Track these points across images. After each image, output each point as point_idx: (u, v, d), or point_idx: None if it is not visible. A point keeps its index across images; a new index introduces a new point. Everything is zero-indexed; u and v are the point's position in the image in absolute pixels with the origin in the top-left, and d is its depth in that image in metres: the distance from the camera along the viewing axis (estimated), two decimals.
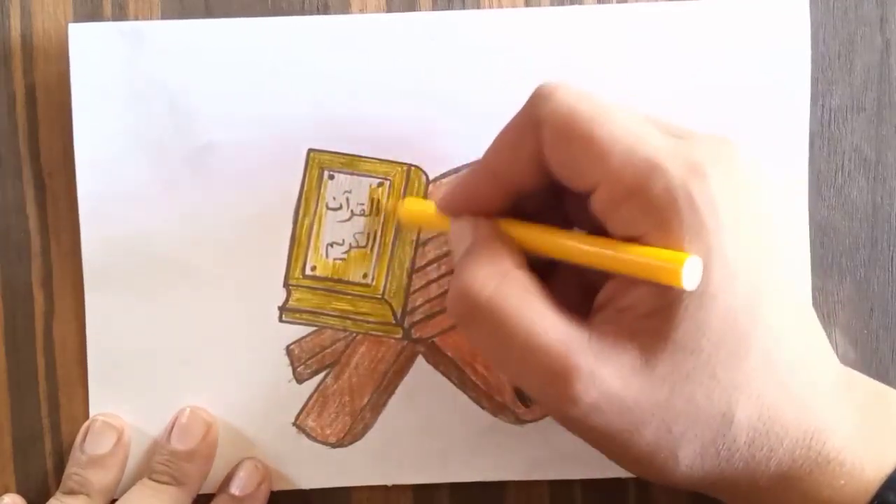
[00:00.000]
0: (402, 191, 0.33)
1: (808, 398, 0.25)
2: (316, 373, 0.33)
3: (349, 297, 0.33)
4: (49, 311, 0.33)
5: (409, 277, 0.33)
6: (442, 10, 0.33)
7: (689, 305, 0.24)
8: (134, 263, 0.33)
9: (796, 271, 0.26)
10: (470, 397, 0.33)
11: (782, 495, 0.26)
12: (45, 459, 0.33)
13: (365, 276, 0.33)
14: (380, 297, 0.33)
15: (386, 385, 0.33)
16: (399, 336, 0.33)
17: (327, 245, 0.33)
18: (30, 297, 0.33)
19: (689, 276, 0.23)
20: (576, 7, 0.33)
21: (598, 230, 0.26)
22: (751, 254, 0.24)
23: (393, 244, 0.33)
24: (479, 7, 0.33)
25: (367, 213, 0.33)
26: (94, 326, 0.33)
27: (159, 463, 0.32)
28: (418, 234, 0.33)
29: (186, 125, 0.33)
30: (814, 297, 0.33)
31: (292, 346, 0.33)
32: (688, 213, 0.23)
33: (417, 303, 0.33)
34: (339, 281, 0.33)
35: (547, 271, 0.28)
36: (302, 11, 0.33)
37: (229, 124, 0.32)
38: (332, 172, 0.33)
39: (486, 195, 0.27)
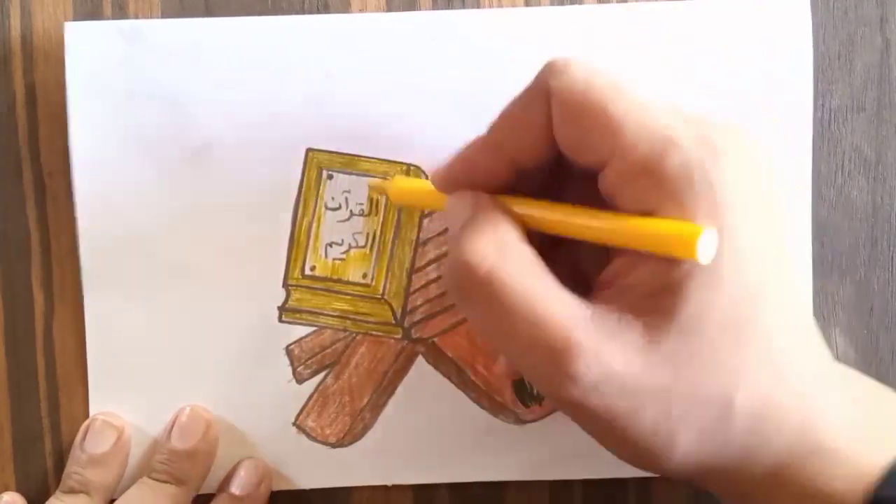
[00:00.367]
0: None
1: (804, 389, 0.25)
2: (316, 373, 0.33)
3: (349, 297, 0.33)
4: (49, 311, 0.33)
5: (409, 277, 0.33)
6: (442, 9, 0.33)
7: (697, 285, 0.23)
8: (133, 263, 0.33)
9: (799, 267, 0.26)
10: (470, 397, 0.33)
11: (777, 485, 0.25)
12: (45, 459, 0.34)
13: (364, 276, 0.33)
14: (380, 297, 0.33)
15: (386, 385, 0.33)
16: (399, 336, 0.33)
17: (326, 245, 0.33)
18: (30, 297, 0.33)
19: (704, 249, 0.22)
20: (576, 7, 0.33)
21: (603, 209, 0.25)
22: (761, 241, 0.24)
23: (392, 244, 0.33)
24: (479, 7, 0.33)
25: (366, 213, 0.33)
26: (93, 326, 0.33)
27: (159, 462, 0.32)
28: (418, 234, 0.33)
29: (185, 124, 0.32)
30: (814, 297, 0.33)
31: (292, 346, 0.33)
32: (703, 189, 0.23)
33: (417, 303, 0.33)
34: (339, 281, 0.33)
35: (551, 249, 0.27)
36: (302, 11, 0.33)
37: (228, 124, 0.32)
38: (331, 172, 0.33)
39: (486, 169, 0.26)
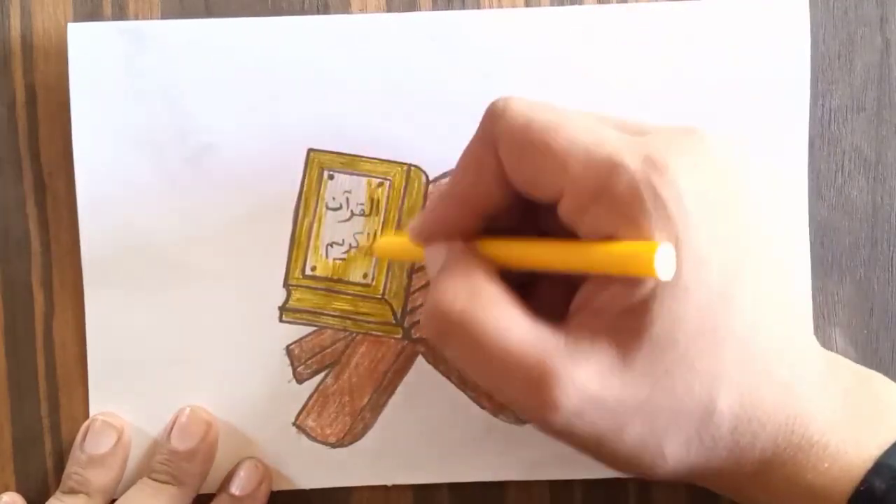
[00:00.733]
0: (402, 191, 0.33)
1: (790, 384, 0.25)
2: (316, 373, 0.33)
3: (349, 297, 0.33)
4: (49, 311, 0.33)
5: (409, 277, 0.33)
6: (442, 10, 0.33)
7: (663, 299, 0.23)
8: (134, 263, 0.33)
9: (782, 258, 0.25)
10: (470, 397, 0.33)
11: (767, 480, 0.26)
12: (45, 459, 0.34)
13: (365, 276, 0.33)
14: (380, 297, 0.33)
15: (386, 385, 0.33)
16: (399, 336, 0.33)
17: (327, 245, 0.33)
18: (30, 296, 0.33)
19: (662, 264, 0.22)
20: (576, 7, 0.33)
21: (574, 236, 0.25)
22: (724, 242, 0.24)
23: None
24: (479, 7, 0.33)
25: (366, 213, 0.33)
26: (94, 326, 0.33)
27: (159, 462, 0.32)
28: None
29: (186, 125, 0.33)
30: (814, 297, 0.33)
31: (292, 346, 0.33)
32: (653, 206, 0.23)
33: (417, 303, 0.33)
34: (339, 281, 0.33)
35: (531, 283, 0.28)
36: (302, 11, 0.33)
37: (229, 124, 0.32)
38: (332, 172, 0.33)
39: (456, 220, 0.27)
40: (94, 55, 0.32)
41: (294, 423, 0.33)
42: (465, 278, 0.26)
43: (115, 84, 0.32)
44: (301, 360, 0.33)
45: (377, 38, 0.32)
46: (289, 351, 0.33)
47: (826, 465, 0.25)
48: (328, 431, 0.33)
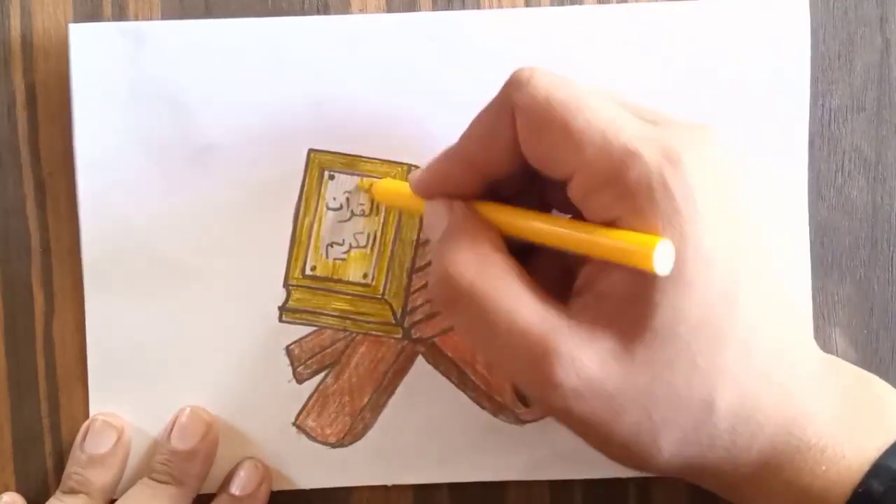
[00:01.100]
0: None
1: (789, 386, 0.25)
2: (316, 373, 0.33)
3: (349, 297, 0.33)
4: (49, 311, 0.33)
5: (409, 277, 0.33)
6: (442, 10, 0.33)
7: (666, 292, 0.23)
8: (134, 263, 0.33)
9: (782, 259, 0.25)
10: (470, 397, 0.33)
11: (764, 482, 0.26)
12: (45, 459, 0.33)
13: (365, 276, 0.33)
14: (380, 297, 0.33)
15: (386, 385, 0.33)
16: (399, 336, 0.33)
17: (327, 245, 0.33)
18: (30, 296, 0.33)
19: (660, 260, 0.22)
20: (576, 7, 0.33)
21: (575, 212, 0.26)
22: (728, 242, 0.24)
23: (393, 244, 0.33)
24: (479, 7, 0.33)
25: (367, 213, 0.33)
26: (94, 326, 0.33)
27: (159, 462, 0.32)
28: (418, 234, 0.33)
29: (187, 125, 0.33)
30: (814, 297, 0.33)
31: (292, 346, 0.33)
32: (662, 199, 0.23)
33: (417, 303, 0.33)
34: (339, 281, 0.33)
35: (527, 252, 0.27)
36: (302, 11, 0.33)
37: (229, 124, 0.32)
38: (332, 173, 0.33)
39: (459, 179, 0.27)
40: (96, 56, 0.32)
41: (294, 423, 0.33)
42: (472, 247, 0.26)
43: (116, 84, 0.32)
44: (301, 360, 0.33)
45: (377, 39, 0.32)
46: (289, 351, 0.33)
47: (824, 467, 0.25)
48: (328, 431, 0.33)
